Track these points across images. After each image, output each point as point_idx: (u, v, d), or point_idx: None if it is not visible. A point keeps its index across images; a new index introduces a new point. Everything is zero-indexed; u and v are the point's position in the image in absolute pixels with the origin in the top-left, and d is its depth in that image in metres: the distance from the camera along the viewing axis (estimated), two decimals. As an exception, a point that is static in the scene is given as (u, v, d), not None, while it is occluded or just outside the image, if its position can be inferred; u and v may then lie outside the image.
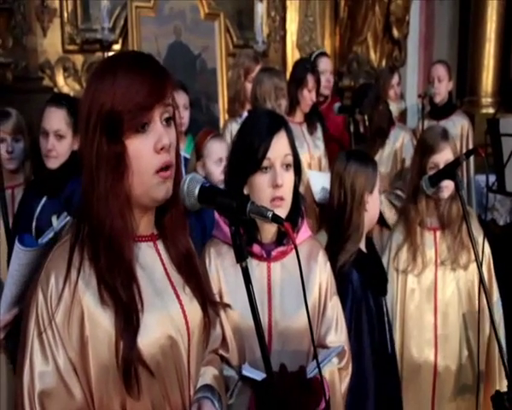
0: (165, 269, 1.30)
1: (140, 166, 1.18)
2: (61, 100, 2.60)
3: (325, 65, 4.23)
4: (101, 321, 1.16)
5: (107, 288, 1.16)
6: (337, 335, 1.79)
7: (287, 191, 1.66)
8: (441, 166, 2.43)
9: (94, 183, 1.18)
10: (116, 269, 1.17)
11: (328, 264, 1.83)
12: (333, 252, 2.04)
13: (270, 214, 1.14)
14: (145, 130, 1.19)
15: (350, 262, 2.09)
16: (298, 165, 1.73)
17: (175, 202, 1.26)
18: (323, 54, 4.44)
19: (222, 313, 1.66)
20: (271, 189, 1.64)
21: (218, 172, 2.74)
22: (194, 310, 1.32)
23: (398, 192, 3.47)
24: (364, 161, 2.21)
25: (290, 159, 1.68)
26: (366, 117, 3.46)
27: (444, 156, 2.44)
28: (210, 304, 1.38)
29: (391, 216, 3.44)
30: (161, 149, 1.19)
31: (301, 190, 1.97)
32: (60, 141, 2.49)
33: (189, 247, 1.36)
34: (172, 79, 1.24)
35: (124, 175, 1.18)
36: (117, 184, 1.18)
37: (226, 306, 1.63)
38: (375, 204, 2.21)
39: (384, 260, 2.58)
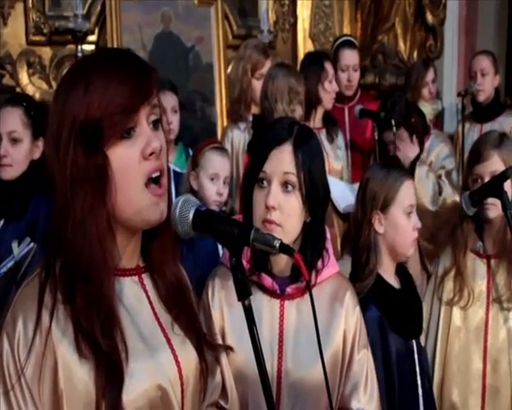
0: (153, 308, 1.33)
1: (125, 179, 1.19)
2: (17, 99, 2.62)
3: (348, 59, 4.16)
4: (79, 375, 1.18)
5: (85, 337, 1.18)
6: (366, 397, 1.77)
7: (283, 217, 1.67)
8: (486, 178, 2.42)
9: (69, 205, 1.18)
10: (94, 311, 1.18)
11: (358, 308, 1.83)
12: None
13: (277, 244, 1.20)
14: (130, 135, 1.20)
15: (366, 293, 2.08)
16: (311, 192, 1.70)
17: (164, 226, 1.28)
18: (347, 43, 4.30)
19: (223, 357, 1.67)
20: (264, 208, 1.68)
21: (211, 190, 2.76)
22: (188, 355, 1.35)
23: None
24: (386, 171, 2.20)
25: (292, 179, 1.68)
26: (393, 122, 3.47)
27: (489, 167, 2.43)
28: (208, 347, 1.41)
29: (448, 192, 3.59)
30: (151, 154, 1.21)
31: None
32: (15, 146, 2.54)
33: (180, 278, 1.39)
34: (156, 74, 1.26)
35: (106, 193, 1.19)
36: (97, 205, 1.18)
37: (228, 348, 1.66)
38: (395, 227, 2.16)
39: (429, 289, 2.63)
